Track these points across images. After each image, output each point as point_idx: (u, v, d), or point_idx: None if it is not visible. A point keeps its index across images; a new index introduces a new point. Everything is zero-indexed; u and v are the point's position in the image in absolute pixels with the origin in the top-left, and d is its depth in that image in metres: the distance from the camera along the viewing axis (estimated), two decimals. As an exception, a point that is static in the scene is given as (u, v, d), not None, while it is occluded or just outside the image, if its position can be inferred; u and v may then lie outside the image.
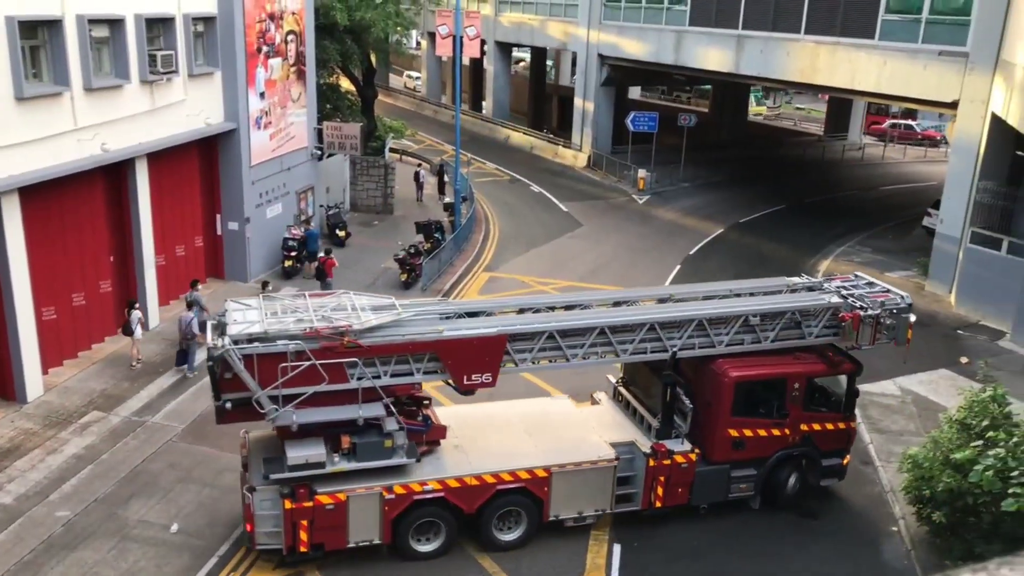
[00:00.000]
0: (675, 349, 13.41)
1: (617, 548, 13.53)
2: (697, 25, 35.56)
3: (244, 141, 23.46)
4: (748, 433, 13.94)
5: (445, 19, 30.03)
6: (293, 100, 26.24)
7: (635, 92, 62.30)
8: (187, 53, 21.07)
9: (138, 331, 18.82)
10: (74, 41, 17.30)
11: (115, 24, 18.67)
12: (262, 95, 24.21)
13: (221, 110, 22.89)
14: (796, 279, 15.31)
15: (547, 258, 28.62)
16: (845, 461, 14.92)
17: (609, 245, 30.25)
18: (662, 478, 13.64)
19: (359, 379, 11.88)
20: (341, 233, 28.20)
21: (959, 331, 22.83)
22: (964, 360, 20.71)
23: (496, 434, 13.98)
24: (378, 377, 12.05)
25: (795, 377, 13.92)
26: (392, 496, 12.44)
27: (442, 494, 12.67)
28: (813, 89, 36.88)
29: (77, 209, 18.64)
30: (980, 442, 11.76)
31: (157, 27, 20.21)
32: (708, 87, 56.89)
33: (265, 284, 21.36)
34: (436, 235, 27.54)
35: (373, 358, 11.96)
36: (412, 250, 25.37)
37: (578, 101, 44.26)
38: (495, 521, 13.18)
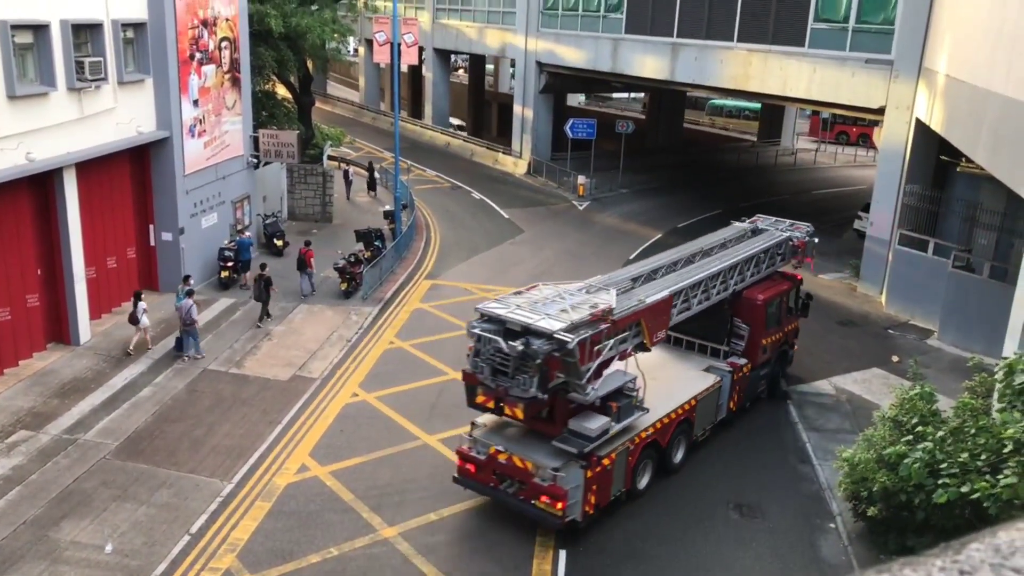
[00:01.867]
0: (736, 288, 17.31)
1: (563, 554, 13.57)
2: (633, 33, 36.03)
3: (177, 149, 22.96)
4: (768, 341, 18.34)
5: (382, 26, 29.86)
6: (228, 107, 25.79)
7: (575, 100, 62.80)
8: (116, 60, 20.53)
9: (144, 319, 19.98)
10: (-4, 47, 16.74)
11: (39, 30, 18.09)
12: (196, 103, 23.74)
13: (153, 118, 22.36)
14: (744, 224, 19.96)
15: (489, 264, 28.63)
16: (795, 349, 20.10)
17: (551, 251, 30.40)
18: (738, 388, 17.52)
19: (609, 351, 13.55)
20: (279, 243, 27.77)
21: (890, 330, 23.52)
22: (895, 359, 21.35)
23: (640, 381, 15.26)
24: (612, 347, 13.59)
25: (784, 293, 18.85)
26: (633, 446, 14.49)
27: (655, 435, 15.05)
28: (746, 96, 37.66)
29: (1, 221, 18.00)
30: (910, 437, 12.13)
31: (84, 33, 19.65)
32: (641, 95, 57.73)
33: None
34: (376, 243, 27.31)
35: (616, 331, 13.63)
36: (352, 259, 25.11)
37: (517, 108, 44.43)
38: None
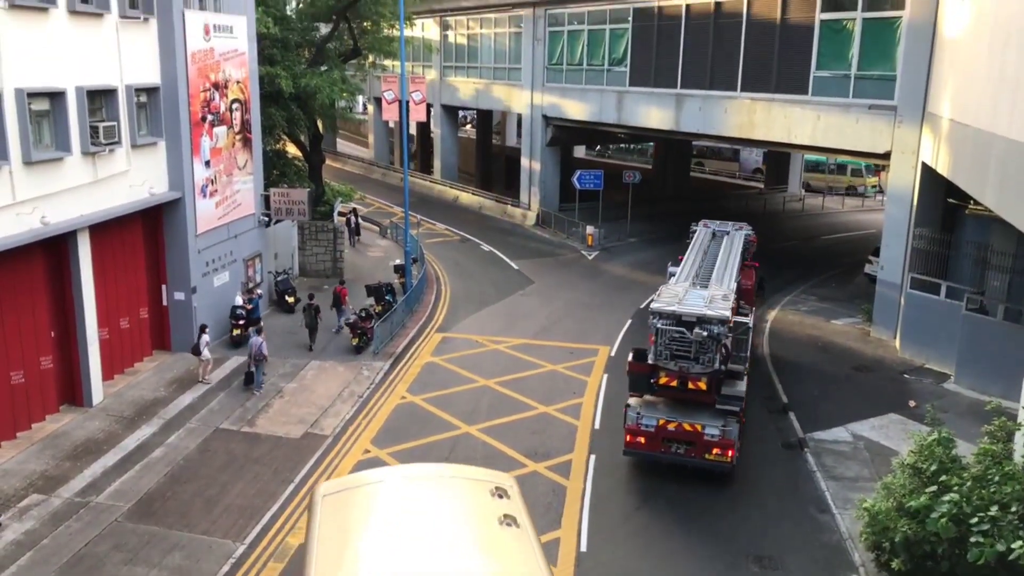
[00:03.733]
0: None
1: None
2: (637, 85, 36.51)
3: (189, 210, 23.23)
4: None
5: (391, 85, 30.35)
6: (239, 167, 26.15)
7: (580, 151, 63.42)
8: (130, 124, 20.91)
9: (205, 352, 21.65)
10: (12, 115, 17.05)
11: (56, 97, 18.48)
12: (207, 163, 24.09)
13: (165, 179, 22.68)
14: (704, 228, 24.96)
15: (500, 316, 28.62)
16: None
17: (561, 301, 30.40)
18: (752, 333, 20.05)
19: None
20: (290, 299, 27.90)
21: (905, 375, 23.29)
22: (912, 404, 21.09)
23: None
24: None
25: (759, 278, 24.11)
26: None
27: None
28: (752, 144, 37.95)
29: (15, 284, 18.17)
30: (934, 488, 11.89)
31: (99, 99, 20.06)
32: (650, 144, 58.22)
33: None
34: (387, 297, 27.40)
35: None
36: (363, 313, 25.18)
37: (525, 161, 44.89)
38: None
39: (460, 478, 9.78)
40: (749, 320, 17.83)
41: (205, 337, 21.81)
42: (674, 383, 16.70)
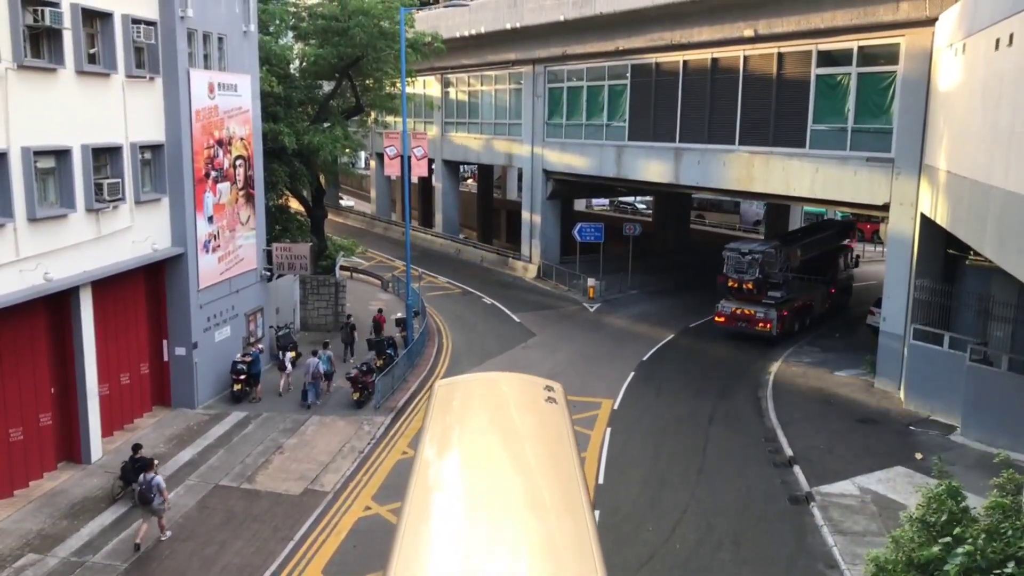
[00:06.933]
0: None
1: None
2: (636, 139, 36.96)
3: (192, 265, 23.33)
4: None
5: (393, 140, 30.73)
6: (242, 223, 26.33)
7: (581, 204, 63.87)
8: (134, 180, 21.13)
9: (289, 366, 25.37)
10: (19, 173, 17.26)
11: (61, 155, 18.72)
12: (210, 219, 24.27)
13: (168, 235, 22.83)
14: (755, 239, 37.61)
15: (502, 369, 28.31)
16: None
17: (563, 353, 30.31)
18: (831, 296, 36.53)
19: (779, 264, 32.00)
20: (291, 354, 27.80)
21: (911, 427, 23.09)
22: (919, 456, 20.87)
23: None
24: (780, 263, 32.36)
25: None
26: (793, 309, 32.87)
27: (799, 307, 33.42)
28: (751, 196, 38.26)
29: (16, 341, 18.15)
30: (948, 539, 11.65)
31: (104, 156, 20.30)
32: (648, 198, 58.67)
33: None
34: (388, 351, 27.33)
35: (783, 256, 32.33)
36: (364, 368, 25.08)
37: (525, 214, 45.22)
38: None
39: (525, 379, 15.15)
40: (773, 249, 31.45)
41: (289, 354, 25.88)
42: (735, 285, 31.21)
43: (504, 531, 9.18)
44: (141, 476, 16.59)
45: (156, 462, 17.34)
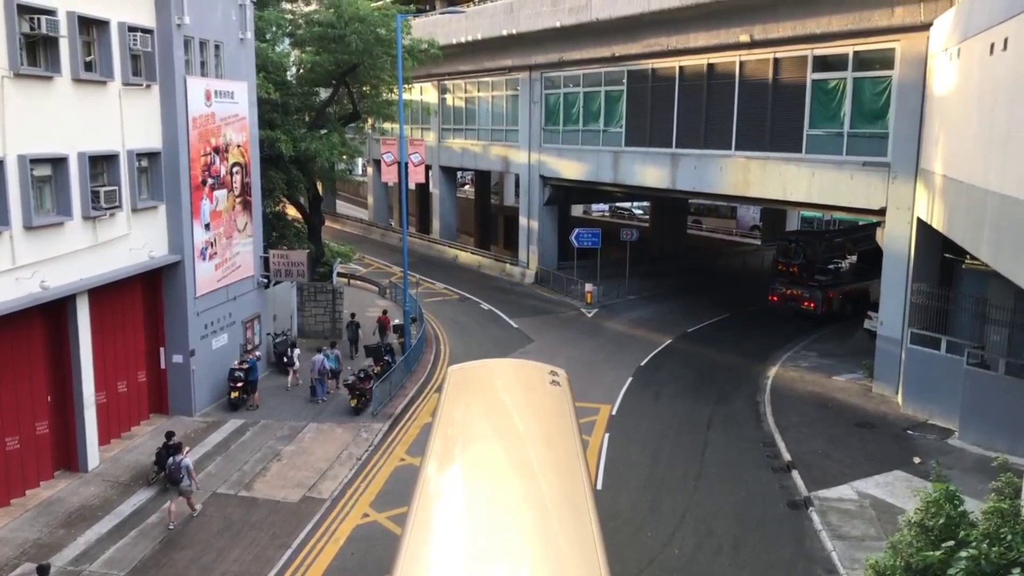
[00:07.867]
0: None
1: None
2: (633, 145, 37.02)
3: (189, 273, 23.31)
4: None
5: (390, 147, 30.74)
6: (239, 230, 26.32)
7: (578, 210, 63.95)
8: (131, 188, 21.11)
9: (297, 363, 26.51)
10: (15, 181, 17.23)
11: (58, 163, 18.70)
12: (207, 226, 24.25)
13: (165, 243, 22.81)
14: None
15: (499, 376, 28.42)
16: None
17: (561, 359, 30.19)
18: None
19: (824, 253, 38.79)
20: (297, 350, 27.76)
21: (909, 431, 23.09)
22: (917, 460, 20.86)
23: None
24: (825, 251, 39.14)
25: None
26: (842, 293, 36.61)
27: (848, 293, 36.83)
28: (748, 201, 38.34)
29: (13, 349, 18.12)
30: (951, 543, 11.61)
31: (101, 164, 20.29)
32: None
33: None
34: (386, 358, 27.30)
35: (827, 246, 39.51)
36: (362, 374, 25.05)
37: (523, 220, 45.25)
38: None
39: (531, 365, 17.26)
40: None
41: (296, 351, 26.87)
42: (783, 268, 36.87)
43: (509, 494, 10.77)
44: (171, 458, 18.17)
45: (187, 448, 18.81)
